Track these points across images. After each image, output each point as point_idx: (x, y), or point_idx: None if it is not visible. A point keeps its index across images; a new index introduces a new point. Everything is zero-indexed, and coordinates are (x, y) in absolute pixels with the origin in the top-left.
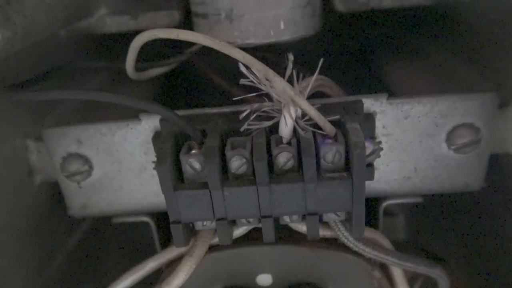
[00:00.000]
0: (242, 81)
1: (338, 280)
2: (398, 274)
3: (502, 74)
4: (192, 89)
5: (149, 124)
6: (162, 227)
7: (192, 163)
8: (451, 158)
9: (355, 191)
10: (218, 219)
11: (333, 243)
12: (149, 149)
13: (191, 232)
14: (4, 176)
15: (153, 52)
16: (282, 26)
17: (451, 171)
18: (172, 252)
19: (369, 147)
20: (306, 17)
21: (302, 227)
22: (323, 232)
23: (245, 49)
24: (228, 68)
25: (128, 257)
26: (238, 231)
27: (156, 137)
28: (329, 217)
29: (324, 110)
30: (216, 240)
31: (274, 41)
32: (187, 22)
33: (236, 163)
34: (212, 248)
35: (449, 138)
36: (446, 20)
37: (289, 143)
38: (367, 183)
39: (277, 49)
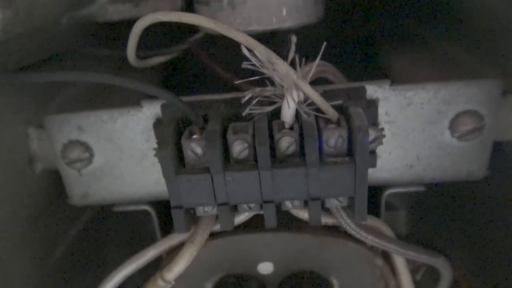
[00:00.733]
0: (245, 64)
1: (340, 268)
2: (400, 263)
3: (506, 61)
4: (192, 79)
5: (150, 111)
6: (163, 216)
7: (194, 147)
8: (454, 145)
9: (357, 176)
10: (220, 204)
11: (335, 231)
12: (150, 136)
13: (192, 218)
14: (5, 163)
15: (154, 42)
16: (284, 12)
17: (454, 159)
18: (172, 240)
19: (371, 134)
20: (309, 4)
21: (303, 214)
22: (325, 219)
23: None
24: (229, 59)
25: (129, 246)
26: (239, 218)
27: (157, 124)
28: (331, 202)
29: (326, 96)
30: (217, 227)
31: (276, 28)
32: (188, 10)
33: (238, 148)
34: (213, 236)
35: (452, 125)
36: (448, 7)
37: (291, 128)
38: (370, 171)
39: (278, 39)
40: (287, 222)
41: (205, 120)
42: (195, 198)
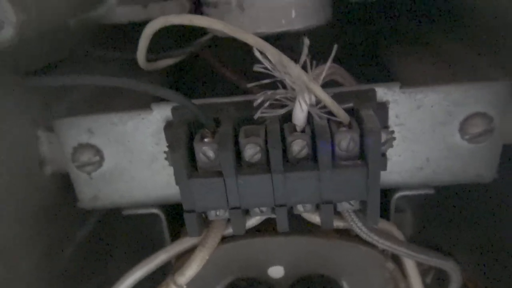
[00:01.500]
0: (256, 67)
1: (350, 272)
2: (410, 266)
3: None
4: (201, 82)
5: (160, 114)
6: (172, 220)
7: (206, 151)
8: (464, 148)
9: (370, 178)
10: (232, 208)
11: (346, 234)
12: (161, 139)
13: (204, 222)
14: (16, 166)
15: (161, 44)
16: (293, 14)
17: (464, 161)
18: (183, 244)
19: (382, 136)
20: (317, 6)
21: (315, 218)
22: (336, 223)
23: None
24: (238, 62)
25: (137, 250)
26: (251, 221)
27: (168, 127)
28: (343, 206)
29: (337, 98)
30: (228, 231)
31: (285, 30)
32: (196, 12)
33: (250, 151)
34: (224, 240)
35: (462, 127)
36: (456, 8)
37: (303, 131)
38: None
39: (286, 43)
40: (297, 225)
41: (216, 123)
42: (208, 202)
